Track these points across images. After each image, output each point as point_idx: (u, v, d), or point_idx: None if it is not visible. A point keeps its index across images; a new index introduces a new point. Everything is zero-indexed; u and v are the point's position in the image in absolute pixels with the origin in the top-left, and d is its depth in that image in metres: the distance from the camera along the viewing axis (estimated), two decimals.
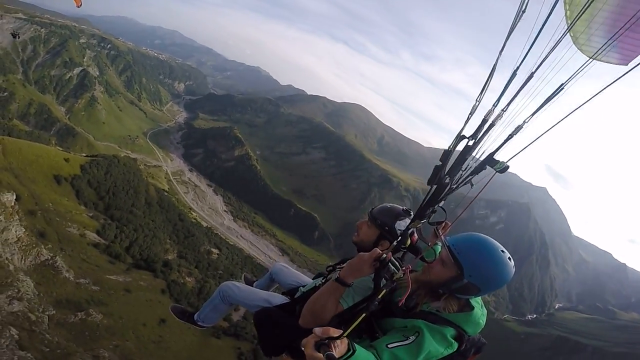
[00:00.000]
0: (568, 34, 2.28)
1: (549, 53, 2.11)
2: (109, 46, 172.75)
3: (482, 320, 2.25)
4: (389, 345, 1.92)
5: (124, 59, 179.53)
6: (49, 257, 25.90)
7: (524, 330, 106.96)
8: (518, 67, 2.23)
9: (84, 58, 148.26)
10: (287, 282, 3.60)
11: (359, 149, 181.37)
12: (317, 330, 1.56)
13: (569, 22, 2.30)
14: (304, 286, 3.29)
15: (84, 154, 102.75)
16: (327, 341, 1.53)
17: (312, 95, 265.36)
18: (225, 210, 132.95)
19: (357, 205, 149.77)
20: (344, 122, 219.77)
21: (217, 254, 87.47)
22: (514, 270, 2.10)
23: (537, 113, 2.16)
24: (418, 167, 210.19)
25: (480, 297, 2.30)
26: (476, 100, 2.40)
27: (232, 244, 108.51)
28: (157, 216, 71.82)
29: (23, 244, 23.80)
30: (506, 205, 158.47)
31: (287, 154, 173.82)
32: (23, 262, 23.27)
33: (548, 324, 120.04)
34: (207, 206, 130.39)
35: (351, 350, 1.61)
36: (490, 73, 2.34)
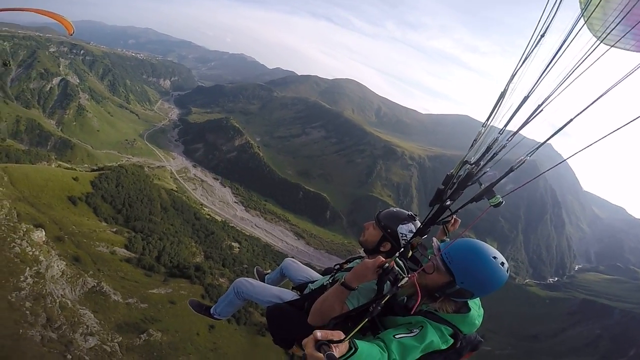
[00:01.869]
0: (585, 24, 2.24)
1: (556, 89, 2.18)
2: (82, 52, 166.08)
3: (478, 321, 2.42)
4: (396, 336, 2.08)
5: (102, 63, 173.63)
6: (95, 284, 26.40)
7: (547, 294, 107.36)
8: (525, 99, 2.30)
9: (59, 67, 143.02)
10: (297, 277, 3.85)
11: (358, 123, 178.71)
12: (318, 333, 1.57)
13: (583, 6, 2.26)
14: (312, 282, 3.50)
15: (86, 166, 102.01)
16: (327, 341, 1.54)
17: (303, 75, 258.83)
18: (235, 202, 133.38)
19: (365, 179, 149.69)
20: (339, 99, 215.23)
21: (238, 248, 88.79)
22: (507, 273, 2.21)
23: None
24: (419, 135, 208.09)
25: (478, 299, 2.45)
26: (482, 126, 2.57)
27: (248, 234, 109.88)
28: (175, 219, 72.23)
29: (68, 276, 24.02)
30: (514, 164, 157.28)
31: (287, 137, 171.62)
32: (74, 293, 23.56)
33: (571, 287, 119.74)
34: (218, 200, 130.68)
35: (353, 349, 1.64)
36: (497, 102, 2.41)
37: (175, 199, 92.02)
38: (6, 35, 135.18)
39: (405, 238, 2.83)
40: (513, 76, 2.35)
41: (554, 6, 2.13)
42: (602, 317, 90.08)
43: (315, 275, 3.81)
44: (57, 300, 16.45)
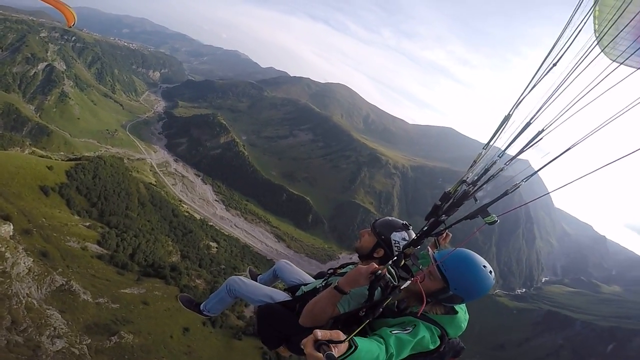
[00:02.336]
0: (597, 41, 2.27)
1: (560, 115, 2.20)
2: (73, 38, 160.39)
3: (464, 325, 2.57)
4: (393, 332, 2.20)
5: (92, 50, 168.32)
6: (64, 282, 25.34)
7: (515, 305, 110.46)
8: (528, 125, 2.37)
9: (47, 52, 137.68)
10: (290, 279, 3.86)
11: (346, 129, 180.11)
12: (318, 332, 1.57)
13: (597, 23, 2.33)
14: (305, 284, 3.55)
15: (62, 154, 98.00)
16: (326, 341, 1.55)
17: (295, 76, 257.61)
18: (216, 200, 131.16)
19: (349, 185, 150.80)
20: (329, 103, 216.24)
21: (216, 248, 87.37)
22: (493, 280, 2.42)
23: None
24: (404, 144, 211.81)
25: (464, 304, 2.61)
26: (483, 148, 2.66)
27: (227, 234, 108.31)
28: (153, 215, 70.23)
29: (35, 274, 23.00)
30: (491, 179, 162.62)
31: (274, 137, 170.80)
32: (40, 292, 22.61)
33: (538, 299, 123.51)
34: (198, 197, 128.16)
35: (353, 347, 1.66)
36: (500, 125, 2.49)
37: (154, 194, 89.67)
38: None
39: (398, 245, 2.96)
40: (520, 102, 2.47)
41: (571, 36, 2.23)
42: (565, 328, 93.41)
43: (308, 278, 3.86)
44: (23, 301, 15.87)
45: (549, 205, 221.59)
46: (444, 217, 2.62)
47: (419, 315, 2.39)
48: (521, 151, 2.47)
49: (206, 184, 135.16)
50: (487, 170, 2.59)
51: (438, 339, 2.41)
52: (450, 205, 2.63)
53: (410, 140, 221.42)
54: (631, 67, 2.30)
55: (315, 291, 3.12)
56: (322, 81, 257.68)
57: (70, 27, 11.78)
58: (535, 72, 2.42)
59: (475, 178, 2.63)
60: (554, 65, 2.29)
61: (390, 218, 3.18)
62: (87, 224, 49.79)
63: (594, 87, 2.05)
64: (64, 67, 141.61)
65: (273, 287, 3.86)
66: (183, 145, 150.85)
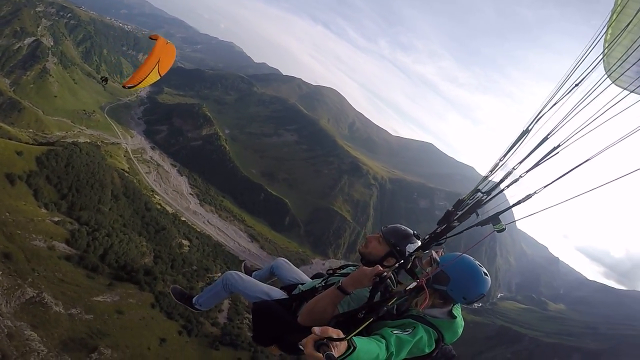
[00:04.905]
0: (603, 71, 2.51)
1: (575, 133, 2.32)
2: (69, 15, 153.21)
3: (460, 331, 2.69)
4: (394, 332, 2.27)
5: (85, 29, 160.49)
6: (35, 295, 24.25)
7: (472, 319, 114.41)
8: (544, 140, 2.50)
9: (38, 27, 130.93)
10: (287, 278, 3.89)
11: (331, 134, 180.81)
12: (317, 329, 1.58)
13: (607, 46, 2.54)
14: (302, 284, 3.56)
15: (31, 131, 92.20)
16: (326, 341, 1.55)
17: (287, 75, 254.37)
18: (190, 193, 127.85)
19: (328, 191, 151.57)
20: (318, 106, 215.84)
21: (189, 246, 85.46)
22: (488, 287, 2.70)
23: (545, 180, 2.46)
24: (385, 155, 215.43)
25: (460, 310, 2.78)
26: (499, 159, 2.80)
27: (199, 230, 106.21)
28: (125, 210, 67.51)
29: (4, 287, 21.90)
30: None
31: (258, 134, 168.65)
32: (9, 305, 21.52)
33: (492, 313, 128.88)
34: (171, 188, 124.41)
35: (352, 348, 1.65)
36: (519, 138, 2.68)
37: (128, 184, 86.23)
38: None
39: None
40: (539, 119, 2.57)
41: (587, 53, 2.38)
42: (514, 342, 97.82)
43: (306, 278, 3.82)
44: (5, 330, 15.29)
45: (512, 226, 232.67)
46: (456, 223, 2.74)
47: (421, 308, 2.48)
48: (537, 164, 2.54)
49: (182, 176, 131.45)
50: (502, 181, 2.67)
51: (434, 343, 2.46)
52: (464, 212, 2.77)
53: (391, 152, 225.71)
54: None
55: (314, 290, 3.11)
56: (314, 83, 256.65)
57: (125, 86, 11.22)
58: (555, 90, 2.55)
59: (490, 188, 2.72)
60: (577, 85, 2.41)
61: (401, 227, 3.22)
62: (56, 219, 46.89)
63: (604, 112, 2.21)
64: (52, 44, 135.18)
65: (269, 284, 3.82)
66: (163, 133, 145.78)
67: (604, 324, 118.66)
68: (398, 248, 3.05)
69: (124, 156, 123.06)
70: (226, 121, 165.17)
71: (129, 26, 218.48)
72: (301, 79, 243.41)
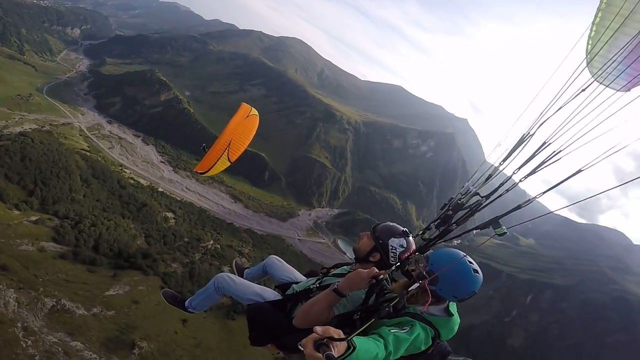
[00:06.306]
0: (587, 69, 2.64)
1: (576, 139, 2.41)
2: None
3: (456, 328, 2.65)
4: (391, 331, 2.28)
5: None
6: (55, 303, 23.26)
7: None
8: (543, 145, 2.52)
9: None
10: (280, 276, 3.78)
11: (301, 84, 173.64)
12: (318, 329, 1.57)
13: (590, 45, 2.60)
14: (296, 283, 3.52)
15: None
16: (326, 341, 1.54)
17: (245, 30, 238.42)
18: (162, 161, 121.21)
19: (304, 141, 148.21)
20: (283, 57, 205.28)
21: (174, 219, 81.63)
22: (479, 284, 2.70)
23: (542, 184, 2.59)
24: (356, 100, 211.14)
25: (456, 308, 2.72)
26: (499, 164, 2.87)
27: (180, 199, 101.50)
28: (100, 193, 63.23)
29: (24, 303, 20.59)
30: (435, 135, 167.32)
31: (222, 93, 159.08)
32: (38, 320, 20.05)
33: (470, 250, 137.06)
34: (140, 159, 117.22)
35: (351, 348, 1.65)
36: (517, 144, 2.75)
37: (94, 164, 79.66)
38: None
39: (394, 251, 2.95)
40: (541, 124, 2.56)
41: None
42: (493, 279, 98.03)
43: (299, 276, 3.76)
44: (59, 349, 12.27)
45: (481, 160, 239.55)
46: (454, 226, 2.78)
47: (423, 310, 2.46)
48: (535, 170, 2.60)
49: (148, 145, 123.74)
50: (502, 185, 2.66)
51: (430, 340, 2.45)
52: (464, 215, 2.83)
53: (361, 96, 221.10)
54: (617, 89, 2.49)
55: (307, 291, 3.11)
56: (276, 35, 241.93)
57: (197, 172, 7.33)
58: (557, 94, 2.57)
59: (490, 192, 2.77)
60: (583, 90, 2.42)
61: (391, 224, 3.16)
62: (33, 218, 42.62)
63: (606, 119, 2.27)
64: None
65: (261, 283, 3.73)
66: (116, 105, 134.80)
67: (569, 259, 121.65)
68: (381, 241, 3.01)
69: (80, 135, 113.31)
70: (185, 83, 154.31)
71: (44, 1, 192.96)
72: (261, 32, 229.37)
